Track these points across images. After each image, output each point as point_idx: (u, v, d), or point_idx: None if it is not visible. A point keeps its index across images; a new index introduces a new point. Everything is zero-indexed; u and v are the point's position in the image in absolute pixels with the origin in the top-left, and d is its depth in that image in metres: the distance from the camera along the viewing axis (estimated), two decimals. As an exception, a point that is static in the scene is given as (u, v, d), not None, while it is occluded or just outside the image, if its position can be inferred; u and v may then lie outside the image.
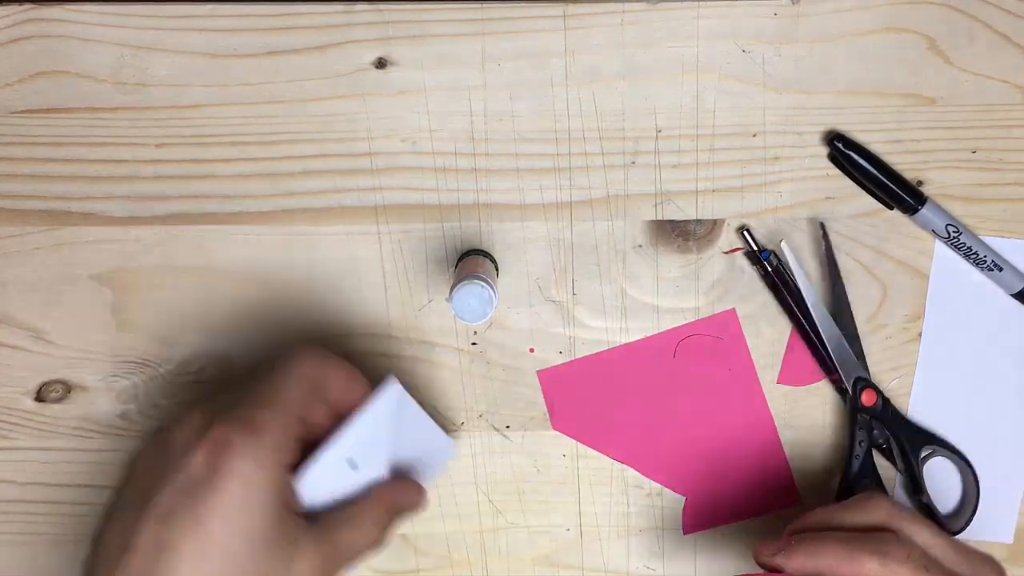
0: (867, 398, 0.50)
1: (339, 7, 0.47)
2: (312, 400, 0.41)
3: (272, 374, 0.41)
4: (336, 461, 0.42)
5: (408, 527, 0.52)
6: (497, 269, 0.50)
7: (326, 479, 0.41)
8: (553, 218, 0.50)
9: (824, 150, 0.49)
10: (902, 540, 0.41)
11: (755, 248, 0.49)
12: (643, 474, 0.52)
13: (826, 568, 0.41)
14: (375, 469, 0.43)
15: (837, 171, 0.49)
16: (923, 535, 0.42)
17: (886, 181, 0.48)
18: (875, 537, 0.41)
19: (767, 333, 0.51)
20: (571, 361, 0.51)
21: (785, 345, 0.51)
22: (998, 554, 0.50)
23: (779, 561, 0.42)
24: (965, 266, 0.50)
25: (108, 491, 0.51)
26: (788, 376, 0.51)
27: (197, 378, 0.51)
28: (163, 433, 0.40)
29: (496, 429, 0.52)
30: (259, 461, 0.38)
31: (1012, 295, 0.50)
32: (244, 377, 0.43)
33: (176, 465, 0.38)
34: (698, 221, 0.50)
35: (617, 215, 0.50)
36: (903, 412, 0.51)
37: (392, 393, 0.43)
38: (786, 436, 0.52)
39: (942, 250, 0.50)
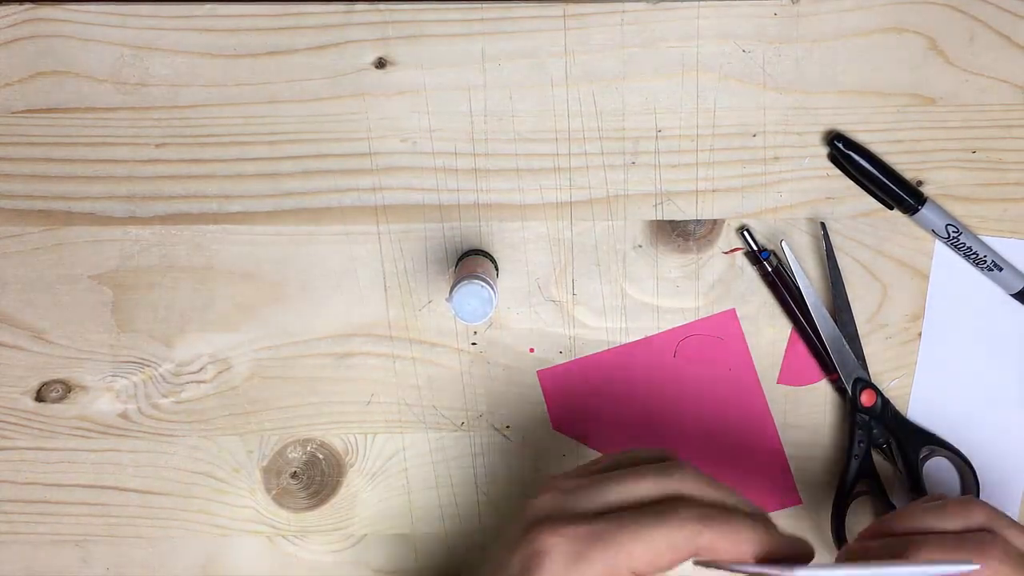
0: (867, 398, 0.50)
1: (339, 7, 0.47)
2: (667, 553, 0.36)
3: (652, 515, 0.36)
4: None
5: (408, 527, 0.52)
6: (497, 269, 0.50)
7: None
8: (553, 218, 0.50)
9: (824, 150, 0.49)
10: (1000, 542, 0.40)
11: (755, 248, 0.49)
12: (643, 474, 0.52)
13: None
14: None
15: (837, 171, 0.49)
16: (1022, 538, 0.41)
17: (886, 181, 0.48)
18: (973, 538, 0.41)
19: (767, 333, 0.51)
20: (571, 361, 0.51)
21: (785, 345, 0.51)
22: (998, 554, 0.50)
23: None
24: (965, 266, 0.50)
25: (108, 491, 0.52)
26: (788, 376, 0.51)
27: (197, 378, 0.51)
28: (514, 511, 0.39)
29: (496, 429, 0.52)
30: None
31: (1012, 295, 0.50)
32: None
33: (499, 560, 0.38)
34: (698, 221, 0.50)
35: (617, 215, 0.50)
36: (903, 412, 0.51)
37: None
38: (786, 436, 0.52)
39: (942, 250, 0.50)
